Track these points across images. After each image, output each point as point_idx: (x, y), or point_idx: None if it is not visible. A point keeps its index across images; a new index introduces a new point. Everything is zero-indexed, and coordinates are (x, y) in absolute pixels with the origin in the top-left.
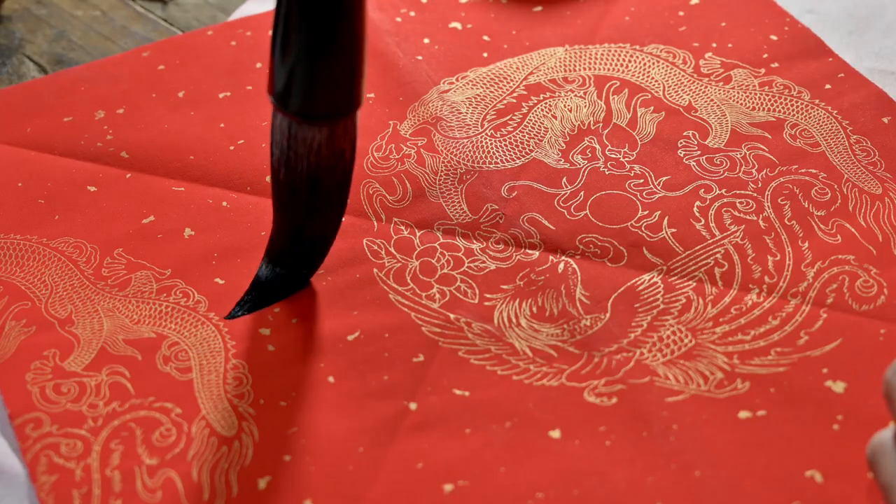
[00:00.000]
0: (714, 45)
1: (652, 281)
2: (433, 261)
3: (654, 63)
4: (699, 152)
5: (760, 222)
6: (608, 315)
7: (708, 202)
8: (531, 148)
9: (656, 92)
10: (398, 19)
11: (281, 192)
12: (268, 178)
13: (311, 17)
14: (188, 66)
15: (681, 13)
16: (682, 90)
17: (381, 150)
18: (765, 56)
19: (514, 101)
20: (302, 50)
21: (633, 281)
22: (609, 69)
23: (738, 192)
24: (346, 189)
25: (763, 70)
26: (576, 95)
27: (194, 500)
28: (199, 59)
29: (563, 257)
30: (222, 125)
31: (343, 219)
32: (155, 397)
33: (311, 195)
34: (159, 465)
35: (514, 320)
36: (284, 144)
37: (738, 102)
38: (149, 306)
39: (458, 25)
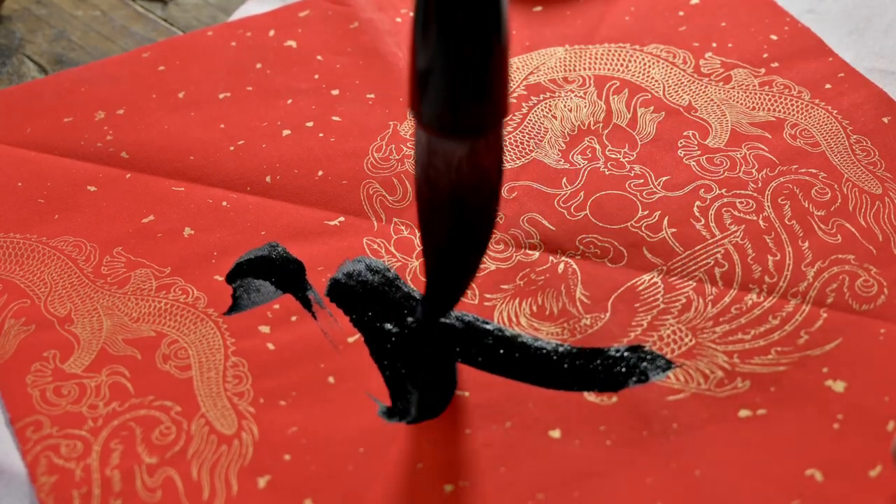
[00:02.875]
0: (714, 44)
1: (652, 281)
2: None
3: (654, 63)
4: (699, 152)
5: (760, 222)
6: (608, 315)
7: (708, 202)
8: (531, 148)
9: (656, 92)
10: (398, 19)
11: (424, 212)
12: (268, 179)
13: (448, 24)
14: (188, 67)
15: (681, 13)
16: (682, 90)
17: (381, 151)
18: (765, 56)
19: (514, 101)
20: (436, 57)
21: (633, 281)
22: (609, 69)
23: (738, 191)
24: (493, 211)
25: (763, 70)
26: (576, 95)
27: (194, 499)
28: (200, 60)
29: (563, 258)
30: (222, 126)
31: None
32: (154, 396)
33: (454, 215)
34: (159, 464)
35: (513, 319)
36: (424, 160)
37: (738, 102)
38: (148, 304)
39: None
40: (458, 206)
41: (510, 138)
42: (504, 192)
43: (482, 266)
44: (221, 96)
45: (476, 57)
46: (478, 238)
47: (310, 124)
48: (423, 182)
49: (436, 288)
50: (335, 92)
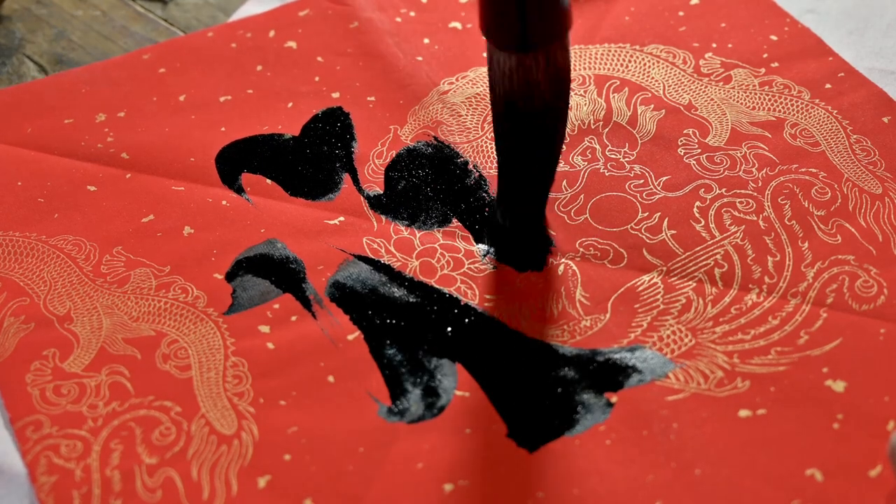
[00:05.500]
0: (714, 45)
1: (652, 281)
2: (433, 261)
3: (654, 63)
4: (699, 150)
5: (760, 222)
6: (608, 315)
7: (708, 202)
8: None
9: (656, 91)
10: (398, 19)
11: (493, 114)
12: (268, 181)
13: None
14: (189, 70)
15: (681, 13)
16: (683, 89)
17: (381, 157)
18: (765, 56)
19: None
20: None
21: (633, 282)
22: (609, 69)
23: (738, 191)
24: (550, 124)
25: (763, 70)
26: (576, 94)
27: (194, 499)
28: (200, 63)
29: (563, 259)
30: (223, 129)
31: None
32: (154, 396)
33: (508, 120)
34: (159, 465)
35: (514, 321)
36: (488, 64)
37: (738, 102)
38: (147, 303)
39: (458, 25)
40: (512, 113)
41: None
42: None
43: (482, 267)
44: (222, 99)
45: None
46: (535, 148)
47: None
48: (490, 84)
49: (505, 192)
50: (336, 95)
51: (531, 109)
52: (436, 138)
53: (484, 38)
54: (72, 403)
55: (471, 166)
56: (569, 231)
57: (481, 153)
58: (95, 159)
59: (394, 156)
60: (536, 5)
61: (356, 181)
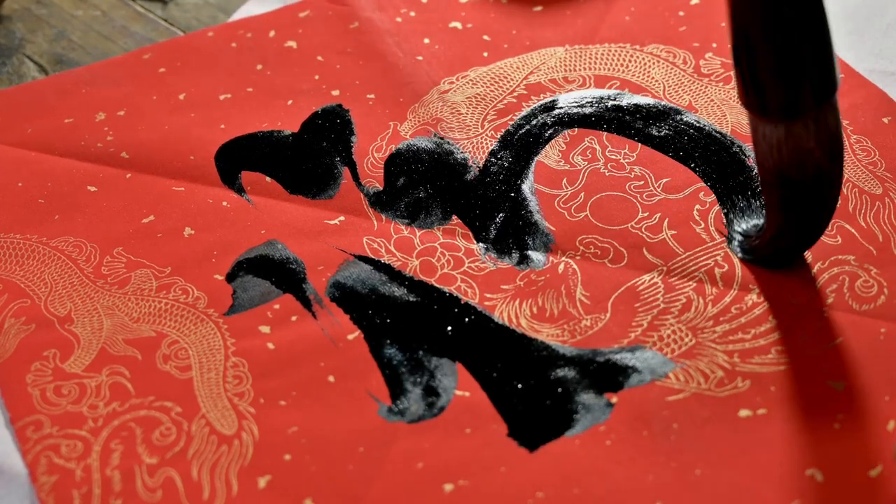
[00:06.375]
0: (714, 45)
1: (652, 281)
2: (433, 260)
3: (654, 63)
4: None
5: None
6: (608, 315)
7: (707, 205)
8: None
9: (657, 92)
10: (398, 19)
11: (761, 182)
12: (268, 179)
13: (745, 22)
14: (189, 69)
15: (681, 13)
16: (683, 90)
17: (381, 151)
18: None
19: (515, 100)
20: (740, 43)
21: (634, 281)
22: (609, 69)
23: (738, 192)
24: (825, 189)
25: None
26: None
27: (194, 499)
28: (200, 62)
29: (563, 258)
30: (223, 126)
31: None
32: (155, 396)
33: (780, 190)
34: (159, 465)
35: (514, 320)
36: (753, 138)
37: (738, 102)
38: (148, 304)
39: (458, 25)
40: (784, 183)
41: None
42: None
43: (483, 266)
44: (222, 97)
45: (781, 40)
46: (810, 215)
47: None
48: (757, 159)
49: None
50: (335, 92)
51: (804, 178)
52: (435, 134)
53: (745, 109)
54: (72, 404)
55: (470, 162)
56: (568, 228)
57: (481, 150)
58: (95, 159)
59: (393, 150)
60: (802, 62)
61: (355, 176)
